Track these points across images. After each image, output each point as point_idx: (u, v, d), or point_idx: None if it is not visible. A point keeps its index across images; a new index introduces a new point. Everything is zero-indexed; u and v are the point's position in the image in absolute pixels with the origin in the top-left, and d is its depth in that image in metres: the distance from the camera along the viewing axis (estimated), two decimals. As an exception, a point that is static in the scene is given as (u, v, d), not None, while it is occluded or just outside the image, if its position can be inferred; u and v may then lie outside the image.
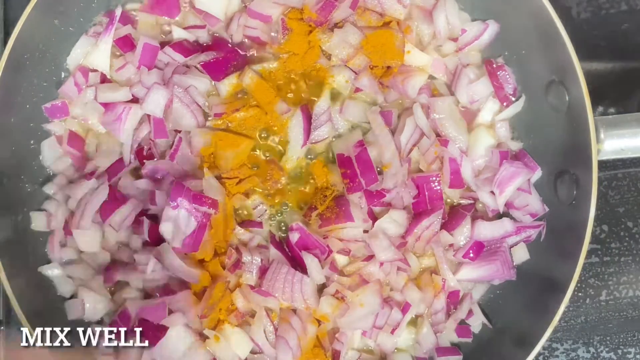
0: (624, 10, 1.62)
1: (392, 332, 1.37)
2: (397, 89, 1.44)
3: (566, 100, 1.31)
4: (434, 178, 1.39)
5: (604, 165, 1.27)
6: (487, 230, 1.39)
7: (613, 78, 1.57)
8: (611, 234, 1.57)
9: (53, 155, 1.43)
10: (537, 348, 1.25)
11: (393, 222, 1.39)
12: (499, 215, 1.43)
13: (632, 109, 1.56)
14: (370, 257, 1.38)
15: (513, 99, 1.45)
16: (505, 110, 1.44)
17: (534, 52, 1.39)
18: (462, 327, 1.43)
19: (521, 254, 1.42)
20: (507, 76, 1.44)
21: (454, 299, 1.42)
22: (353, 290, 1.36)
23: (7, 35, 1.51)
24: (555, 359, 1.54)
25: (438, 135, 1.42)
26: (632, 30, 1.61)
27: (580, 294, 1.55)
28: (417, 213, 1.41)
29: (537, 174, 1.41)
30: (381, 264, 1.37)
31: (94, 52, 1.42)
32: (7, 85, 1.31)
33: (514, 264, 1.41)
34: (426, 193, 1.39)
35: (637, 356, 1.55)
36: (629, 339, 1.55)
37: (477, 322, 1.43)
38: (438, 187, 1.39)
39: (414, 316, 1.40)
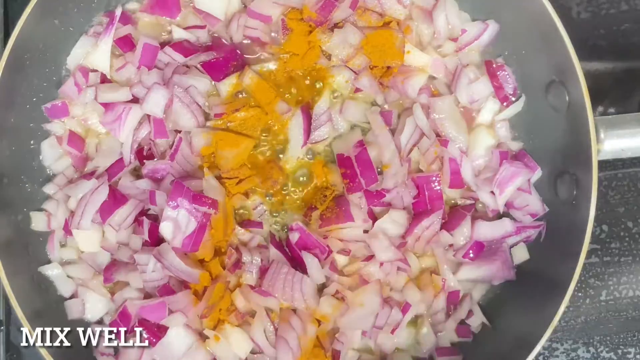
0: (624, 10, 1.62)
1: (392, 332, 1.36)
2: (397, 89, 1.44)
3: (566, 100, 1.31)
4: (434, 178, 1.39)
5: (604, 165, 1.27)
6: (487, 230, 1.39)
7: (613, 78, 1.57)
8: (611, 234, 1.56)
9: (53, 155, 1.43)
10: (537, 348, 1.25)
11: (393, 222, 1.38)
12: (499, 216, 1.43)
13: (632, 109, 1.55)
14: (370, 257, 1.38)
15: (513, 99, 1.45)
16: (505, 110, 1.44)
17: (534, 52, 1.39)
18: (462, 327, 1.43)
19: (521, 254, 1.42)
20: (507, 76, 1.44)
21: (454, 299, 1.42)
22: (353, 290, 1.36)
23: (7, 35, 1.51)
24: (555, 359, 1.54)
25: (438, 135, 1.42)
26: (632, 30, 1.61)
27: (580, 294, 1.55)
28: (417, 213, 1.41)
29: (537, 174, 1.40)
30: (381, 264, 1.36)
31: (94, 52, 1.42)
32: (7, 85, 1.31)
33: (514, 264, 1.41)
34: (426, 193, 1.39)
35: (637, 356, 1.55)
36: (629, 339, 1.55)
37: (477, 322, 1.43)
38: (438, 187, 1.39)
39: (414, 316, 1.40)
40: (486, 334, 1.43)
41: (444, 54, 1.46)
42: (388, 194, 1.38)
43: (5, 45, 1.30)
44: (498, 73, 1.44)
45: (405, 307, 1.37)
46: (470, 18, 1.49)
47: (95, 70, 1.43)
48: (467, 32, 1.45)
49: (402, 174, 1.37)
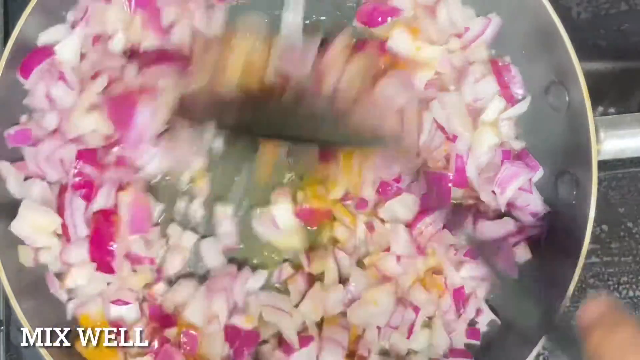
0: (624, 10, 1.62)
1: (408, 337, 1.36)
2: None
3: (566, 101, 1.31)
4: (445, 176, 1.39)
5: (604, 165, 1.27)
6: (488, 229, 1.39)
7: (613, 78, 1.57)
8: (611, 234, 1.56)
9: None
10: (538, 348, 1.24)
11: (404, 205, 1.39)
12: (500, 215, 1.42)
13: (632, 109, 1.55)
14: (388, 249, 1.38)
15: (519, 98, 1.44)
16: (510, 109, 1.43)
17: (533, 53, 1.39)
18: (471, 329, 1.42)
19: (523, 253, 1.41)
20: (513, 76, 1.43)
21: (460, 297, 1.40)
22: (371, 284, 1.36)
23: (7, 35, 1.50)
24: (556, 358, 1.54)
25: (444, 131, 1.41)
26: (632, 30, 1.61)
27: (580, 294, 1.55)
28: (423, 209, 1.40)
29: (539, 173, 1.40)
30: (398, 258, 1.36)
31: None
32: (6, 87, 1.31)
33: (517, 263, 1.40)
34: (434, 190, 1.39)
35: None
36: (629, 338, 1.55)
37: (486, 320, 1.42)
38: (448, 186, 1.39)
39: (426, 318, 1.39)
40: (489, 333, 1.43)
41: (451, 51, 1.45)
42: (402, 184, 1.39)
43: (5, 45, 1.30)
44: (504, 72, 1.43)
45: (416, 308, 1.37)
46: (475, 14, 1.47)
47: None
48: (471, 29, 1.44)
49: (413, 165, 1.38)
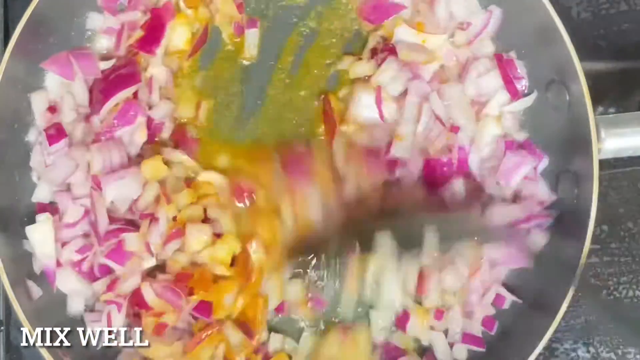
0: (624, 10, 1.62)
1: None
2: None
3: (566, 100, 1.31)
4: (446, 162, 1.39)
5: (604, 164, 1.27)
6: (495, 216, 1.38)
7: (613, 78, 1.57)
8: (611, 234, 1.56)
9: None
10: (539, 348, 1.25)
11: None
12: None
13: (632, 109, 1.55)
14: None
15: (523, 92, 1.43)
16: (514, 103, 1.42)
17: (534, 52, 1.39)
18: (487, 318, 1.41)
19: (538, 241, 1.39)
20: (517, 70, 1.43)
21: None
22: None
23: (7, 36, 1.50)
24: (556, 358, 1.54)
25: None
26: (632, 30, 1.61)
27: (580, 294, 1.54)
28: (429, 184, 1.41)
29: (544, 162, 1.40)
30: None
31: None
32: (8, 87, 1.30)
33: (534, 252, 1.39)
34: (436, 175, 1.40)
35: (637, 356, 1.55)
36: (629, 339, 1.55)
37: (508, 301, 1.41)
38: (449, 172, 1.39)
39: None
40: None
41: (457, 45, 1.45)
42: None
43: (6, 46, 1.29)
44: (508, 67, 1.42)
45: None
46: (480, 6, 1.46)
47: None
48: (473, 23, 1.44)
49: (410, 151, 1.39)
